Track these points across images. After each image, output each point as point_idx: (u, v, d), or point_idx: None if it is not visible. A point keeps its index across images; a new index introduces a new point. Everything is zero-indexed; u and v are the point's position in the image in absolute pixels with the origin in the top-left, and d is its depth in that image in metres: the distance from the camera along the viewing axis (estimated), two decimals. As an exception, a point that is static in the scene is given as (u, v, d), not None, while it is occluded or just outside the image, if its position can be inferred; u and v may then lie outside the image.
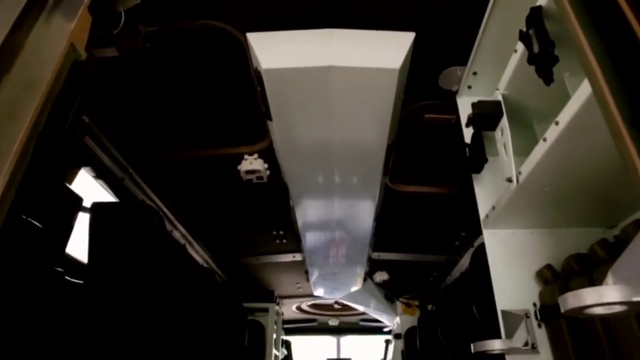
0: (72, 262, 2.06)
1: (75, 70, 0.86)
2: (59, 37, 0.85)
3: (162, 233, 2.49)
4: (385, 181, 2.60)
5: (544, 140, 1.19)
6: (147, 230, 2.06)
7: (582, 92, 1.01)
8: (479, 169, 1.73)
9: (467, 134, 1.76)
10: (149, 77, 1.95)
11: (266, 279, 4.87)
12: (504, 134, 1.47)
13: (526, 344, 1.42)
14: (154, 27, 1.64)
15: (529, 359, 1.44)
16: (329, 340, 8.44)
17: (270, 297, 5.26)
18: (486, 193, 1.72)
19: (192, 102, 2.13)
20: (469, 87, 1.85)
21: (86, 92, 1.78)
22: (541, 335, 1.46)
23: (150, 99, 2.09)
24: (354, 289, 4.82)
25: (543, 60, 1.16)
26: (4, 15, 0.82)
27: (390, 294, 5.18)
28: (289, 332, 7.10)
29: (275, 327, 5.24)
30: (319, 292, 5.04)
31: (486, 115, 1.53)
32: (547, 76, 1.17)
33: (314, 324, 7.47)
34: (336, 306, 6.40)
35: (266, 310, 5.12)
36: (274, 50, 1.63)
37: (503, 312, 1.50)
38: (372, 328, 7.32)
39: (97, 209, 2.01)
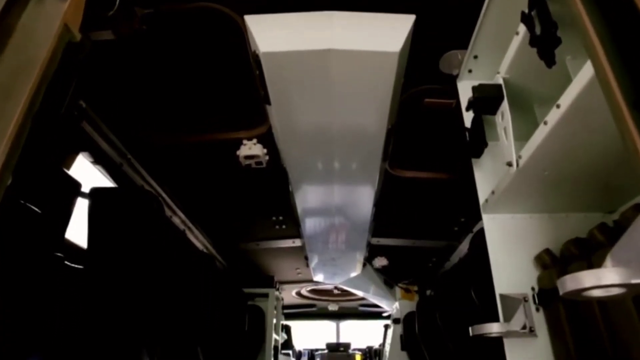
0: (72, 247, 2.06)
1: (69, 51, 0.85)
2: (52, 17, 0.83)
3: (161, 218, 2.49)
4: (384, 166, 2.60)
5: (545, 123, 1.18)
6: (146, 215, 2.06)
7: (584, 74, 1.00)
8: (479, 154, 1.72)
9: (467, 118, 1.75)
10: (146, 61, 1.93)
11: (266, 264, 4.90)
12: (504, 117, 1.46)
13: (524, 327, 1.43)
14: (150, 9, 1.61)
15: (526, 342, 1.46)
16: (328, 325, 8.54)
17: (270, 282, 5.30)
18: (486, 178, 1.72)
19: (190, 86, 2.11)
20: (470, 71, 1.83)
21: (83, 77, 1.76)
22: (539, 319, 1.47)
23: (148, 84, 2.07)
24: (353, 274, 4.85)
25: (545, 41, 1.15)
26: (-4, -5, 0.80)
27: (389, 279, 5.21)
28: (289, 317, 7.17)
29: (275, 312, 5.28)
30: (318, 277, 5.07)
31: (487, 99, 1.52)
32: (549, 58, 1.15)
33: (314, 309, 7.54)
34: (336, 291, 6.46)
35: (266, 295, 5.16)
36: (272, 33, 1.61)
37: (501, 296, 1.50)
38: (371, 313, 7.39)
39: (96, 195, 2.00)
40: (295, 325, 7.61)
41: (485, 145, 1.67)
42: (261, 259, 4.66)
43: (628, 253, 0.78)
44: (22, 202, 1.49)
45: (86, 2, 0.91)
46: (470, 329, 1.56)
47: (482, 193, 1.69)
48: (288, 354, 6.74)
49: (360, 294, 5.63)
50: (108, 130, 2.19)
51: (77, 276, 1.89)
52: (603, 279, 0.76)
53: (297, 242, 4.07)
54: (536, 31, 1.19)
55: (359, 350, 8.08)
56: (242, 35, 1.67)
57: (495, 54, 1.61)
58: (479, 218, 1.69)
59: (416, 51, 1.69)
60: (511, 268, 1.57)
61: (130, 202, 2.08)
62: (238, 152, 2.36)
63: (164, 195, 2.90)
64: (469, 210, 3.15)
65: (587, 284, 0.77)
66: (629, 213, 1.29)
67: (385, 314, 6.51)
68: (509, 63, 1.48)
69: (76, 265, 1.90)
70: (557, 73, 1.23)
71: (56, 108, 1.40)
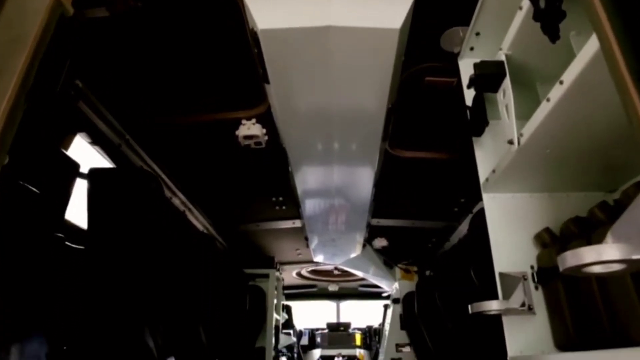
0: (73, 228, 2.07)
1: (62, 26, 0.83)
2: (43, -10, 0.81)
3: (161, 198, 2.49)
4: (384, 146, 2.58)
5: (548, 100, 1.16)
6: (145, 194, 2.06)
7: (589, 49, 0.98)
8: (480, 132, 1.70)
9: (469, 96, 1.73)
10: (143, 39, 1.89)
11: (266, 245, 4.92)
12: (506, 95, 1.44)
13: (523, 305, 1.44)
14: (146, -15, 1.58)
15: (525, 320, 1.47)
16: (328, 305, 8.64)
17: (271, 263, 5.33)
18: (487, 157, 1.70)
19: (188, 65, 2.08)
20: (472, 48, 1.80)
21: (78, 56, 1.73)
22: (538, 297, 1.48)
23: (145, 63, 2.04)
24: (353, 255, 4.88)
25: (549, 15, 1.12)
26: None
27: (389, 259, 5.24)
28: (290, 297, 7.23)
29: (275, 292, 5.33)
30: (318, 258, 5.11)
31: (488, 76, 1.49)
32: (553, 32, 1.13)
33: (314, 289, 7.61)
34: (336, 272, 6.50)
35: (267, 276, 5.20)
36: (271, 10, 1.57)
37: (501, 274, 1.51)
38: (371, 293, 7.46)
39: (95, 175, 2.00)
40: (296, 306, 7.68)
41: (487, 123, 1.66)
42: (261, 239, 4.68)
43: (629, 229, 0.77)
44: (20, 182, 1.48)
45: (78, -25, 0.88)
46: (469, 306, 1.56)
47: (483, 172, 1.68)
48: (289, 334, 6.83)
49: (360, 274, 5.67)
50: (106, 110, 2.17)
51: (78, 257, 1.90)
52: (604, 254, 0.75)
53: (297, 223, 4.08)
54: (540, 4, 1.16)
55: (359, 329, 8.19)
56: (240, 12, 1.64)
57: (498, 30, 1.58)
58: (479, 199, 1.69)
59: (417, 28, 1.66)
60: (511, 247, 1.57)
61: (129, 182, 2.08)
62: (237, 132, 2.35)
63: (163, 176, 2.89)
64: (469, 191, 3.14)
65: (588, 260, 0.77)
66: (631, 191, 1.28)
67: (384, 294, 6.57)
68: (511, 39, 1.45)
69: (77, 246, 1.91)
70: (560, 50, 1.21)
71: (51, 86, 1.38)
